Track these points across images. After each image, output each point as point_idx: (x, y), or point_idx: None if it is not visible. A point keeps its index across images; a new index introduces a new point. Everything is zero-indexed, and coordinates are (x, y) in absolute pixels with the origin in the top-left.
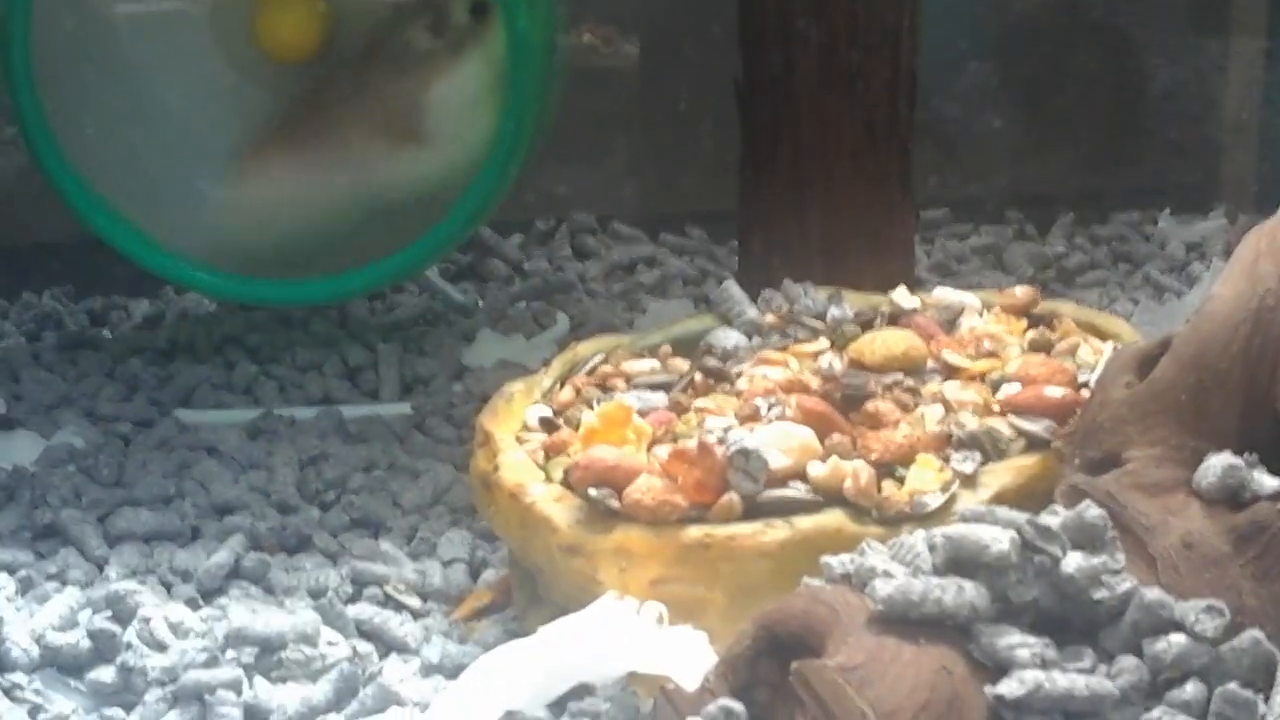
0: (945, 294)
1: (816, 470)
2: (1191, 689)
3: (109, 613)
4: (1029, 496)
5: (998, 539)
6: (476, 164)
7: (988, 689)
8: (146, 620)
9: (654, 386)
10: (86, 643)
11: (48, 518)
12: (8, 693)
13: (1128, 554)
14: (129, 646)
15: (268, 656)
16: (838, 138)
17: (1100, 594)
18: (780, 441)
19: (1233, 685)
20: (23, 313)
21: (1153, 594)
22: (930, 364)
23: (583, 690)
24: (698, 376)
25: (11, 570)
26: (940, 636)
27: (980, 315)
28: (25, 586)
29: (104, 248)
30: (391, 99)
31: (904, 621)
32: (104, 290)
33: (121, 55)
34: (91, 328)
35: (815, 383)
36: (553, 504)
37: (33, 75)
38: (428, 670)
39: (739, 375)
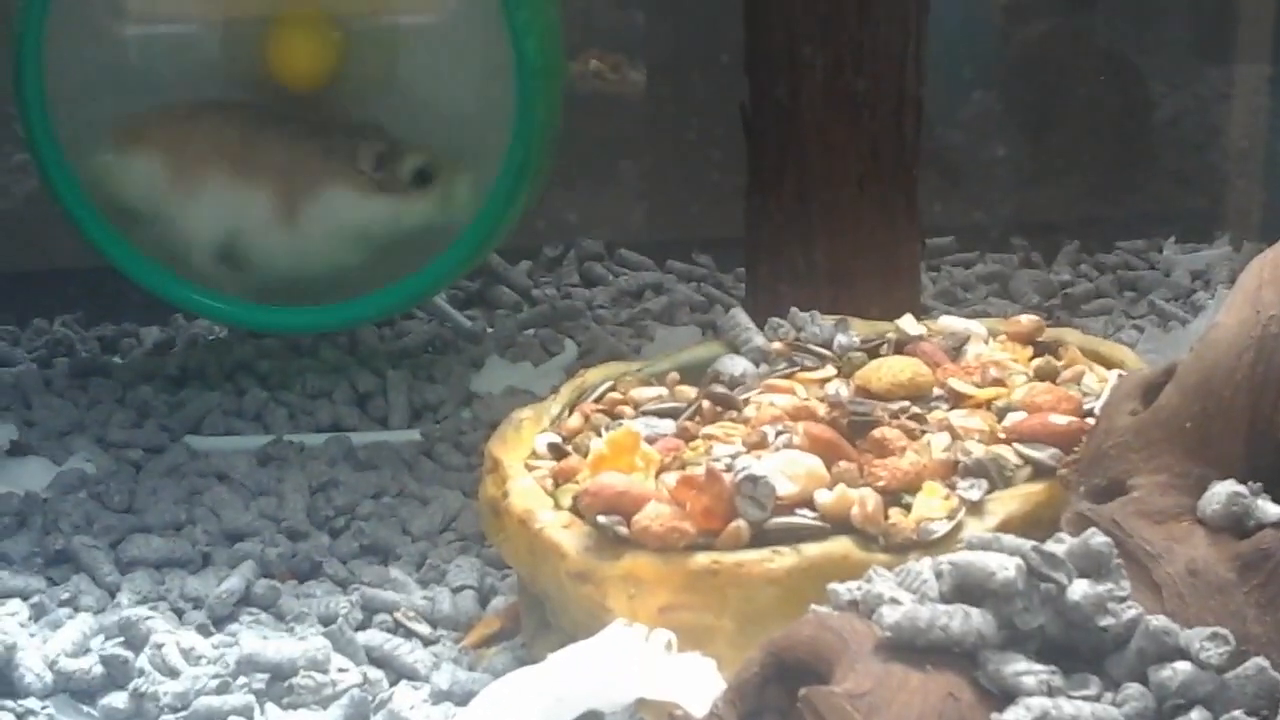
0: (951, 322)
1: (824, 497)
2: (1196, 717)
3: (121, 639)
4: (1035, 524)
5: (1004, 566)
6: (317, 279)
7: (994, 716)
8: (159, 646)
9: (662, 414)
10: (99, 669)
11: (60, 544)
12: (21, 719)
13: (1133, 581)
14: (141, 673)
15: (279, 683)
16: (844, 165)
17: (1106, 621)
18: (787, 469)
19: (1237, 713)
20: (34, 339)
21: (1158, 621)
22: (936, 391)
23: (592, 717)
24: (705, 404)
25: (24, 596)
26: (947, 663)
27: (986, 343)
28: (38, 612)
29: (115, 274)
30: (300, 168)
31: (911, 648)
32: (115, 317)
33: (134, 78)
34: (102, 354)
35: (822, 410)
36: (561, 530)
37: (45, 100)
38: (438, 697)
39: (746, 402)
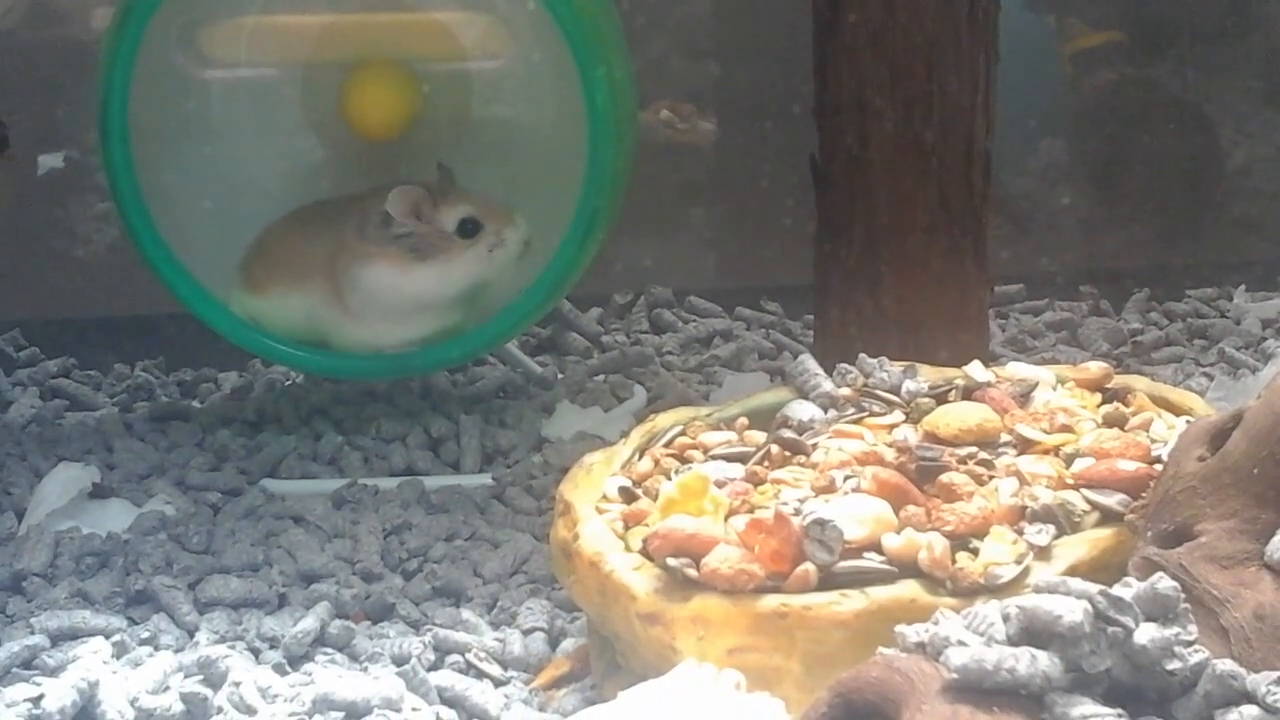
0: (1019, 368)
1: (891, 542)
2: None
3: (200, 677)
4: (1103, 569)
5: (1071, 609)
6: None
7: None
8: (237, 685)
9: (731, 458)
10: (179, 706)
11: (140, 584)
12: None
13: (1200, 626)
14: (220, 710)
15: None
16: (912, 213)
17: (1173, 665)
18: (856, 513)
19: None
20: (116, 384)
21: (1225, 665)
22: (1004, 437)
23: None
24: (774, 448)
25: (106, 635)
26: (1014, 705)
27: (1054, 389)
28: (119, 651)
29: (194, 321)
30: (341, 253)
31: (978, 690)
32: (194, 362)
33: (214, 131)
34: (182, 399)
35: (890, 455)
36: (631, 573)
37: (130, 149)
38: None
39: (815, 447)
